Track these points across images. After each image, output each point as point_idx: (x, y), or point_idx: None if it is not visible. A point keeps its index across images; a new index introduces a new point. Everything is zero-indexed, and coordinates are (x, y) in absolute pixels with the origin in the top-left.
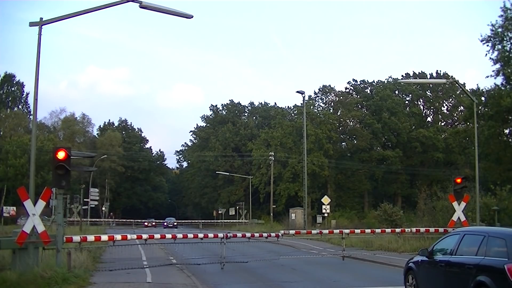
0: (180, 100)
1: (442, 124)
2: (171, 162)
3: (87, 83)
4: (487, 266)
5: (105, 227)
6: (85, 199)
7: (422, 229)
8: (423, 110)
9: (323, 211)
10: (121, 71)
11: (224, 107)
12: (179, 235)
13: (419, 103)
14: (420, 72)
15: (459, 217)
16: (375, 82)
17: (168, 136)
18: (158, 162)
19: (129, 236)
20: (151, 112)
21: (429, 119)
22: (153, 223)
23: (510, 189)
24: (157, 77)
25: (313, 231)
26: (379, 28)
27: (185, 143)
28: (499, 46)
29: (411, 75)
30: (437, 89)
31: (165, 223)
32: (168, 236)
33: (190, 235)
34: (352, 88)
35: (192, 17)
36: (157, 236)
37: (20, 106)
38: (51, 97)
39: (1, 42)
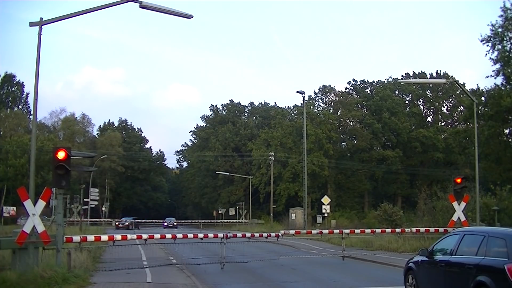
0: (179, 100)
1: (442, 124)
2: (171, 162)
3: (83, 83)
4: (487, 266)
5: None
6: (85, 199)
7: (422, 229)
8: (423, 110)
9: (323, 211)
10: (117, 71)
11: (224, 107)
12: (179, 235)
13: (419, 103)
14: (420, 72)
15: (459, 217)
16: (375, 82)
17: (168, 136)
18: (158, 162)
19: (129, 236)
20: (149, 112)
21: (429, 119)
22: (125, 224)
23: (510, 189)
24: (155, 77)
25: (313, 231)
26: (379, 28)
27: (185, 143)
28: (499, 46)
29: (411, 75)
30: (437, 89)
31: (165, 223)
32: (168, 236)
33: (190, 235)
34: (352, 88)
35: (192, 17)
36: (157, 236)
37: (20, 106)
38: (49, 97)
39: (1, 42)
